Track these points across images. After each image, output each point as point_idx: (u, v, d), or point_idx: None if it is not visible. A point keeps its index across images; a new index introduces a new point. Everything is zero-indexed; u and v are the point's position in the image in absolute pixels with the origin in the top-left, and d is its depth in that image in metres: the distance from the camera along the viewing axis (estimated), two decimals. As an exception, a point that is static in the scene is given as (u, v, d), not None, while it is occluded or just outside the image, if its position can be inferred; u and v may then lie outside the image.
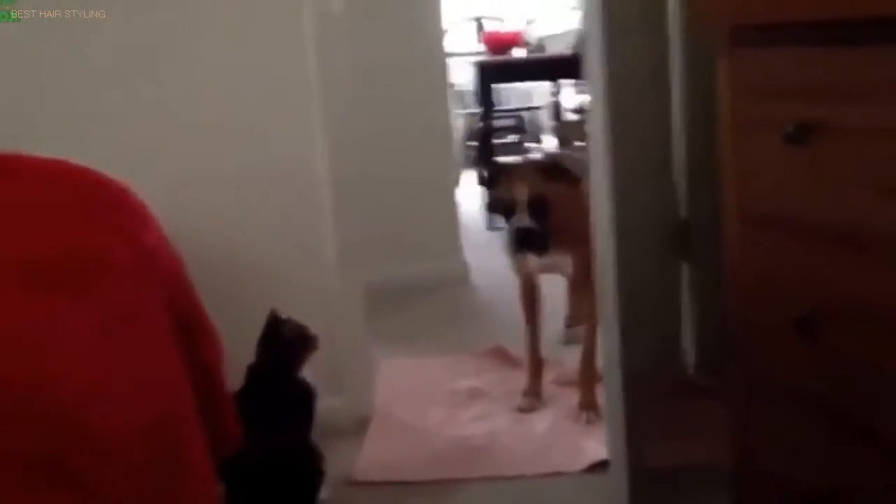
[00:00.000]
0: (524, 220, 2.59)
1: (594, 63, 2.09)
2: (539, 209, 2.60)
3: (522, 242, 2.63)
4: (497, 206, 2.70)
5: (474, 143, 6.51)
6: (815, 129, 1.40)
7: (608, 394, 2.22)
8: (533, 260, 2.78)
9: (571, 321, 3.33)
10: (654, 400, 2.49)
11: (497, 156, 5.50)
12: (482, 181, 2.80)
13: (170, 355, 1.19)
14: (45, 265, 1.10)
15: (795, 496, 1.59)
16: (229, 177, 2.66)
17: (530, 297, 2.94)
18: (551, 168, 2.71)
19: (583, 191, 2.74)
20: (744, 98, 1.54)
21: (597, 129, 2.12)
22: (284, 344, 2.34)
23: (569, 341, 3.24)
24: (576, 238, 2.62)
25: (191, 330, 1.33)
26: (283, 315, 2.35)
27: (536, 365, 2.89)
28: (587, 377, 2.77)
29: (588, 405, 2.73)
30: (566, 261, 2.76)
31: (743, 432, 1.71)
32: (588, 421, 2.69)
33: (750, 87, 1.53)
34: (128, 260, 1.23)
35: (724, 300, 1.70)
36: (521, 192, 2.60)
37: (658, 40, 2.71)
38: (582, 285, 2.77)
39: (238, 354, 2.20)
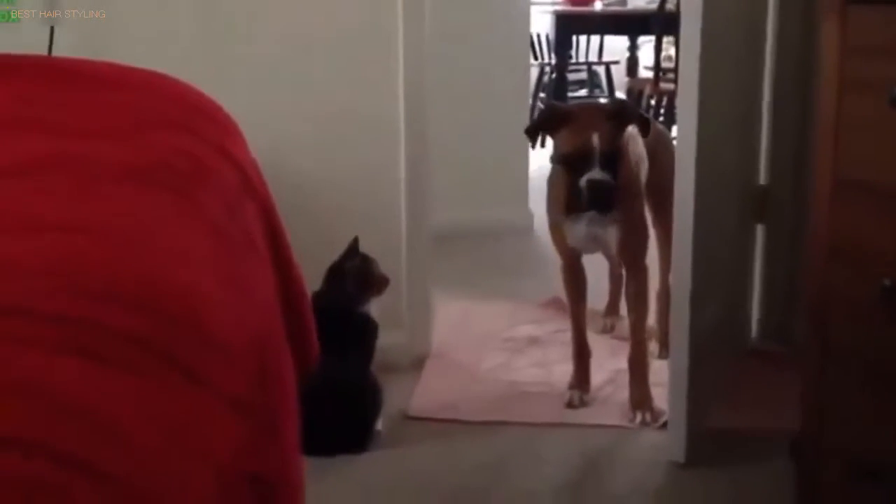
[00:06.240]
0: (598, 172, 2.24)
1: (689, 18, 2.06)
2: (613, 162, 2.27)
3: (596, 199, 2.26)
4: (562, 157, 2.31)
5: (544, 96, 6.43)
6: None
7: (674, 352, 2.22)
8: (577, 229, 2.42)
9: (609, 309, 3.04)
10: (718, 362, 2.48)
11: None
12: (536, 128, 2.41)
13: (267, 267, 1.21)
14: (150, 168, 1.12)
15: (857, 468, 1.58)
16: (312, 116, 2.70)
17: (575, 277, 2.58)
18: (621, 113, 2.36)
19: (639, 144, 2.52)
20: (850, 58, 1.50)
21: (687, 86, 2.09)
22: (346, 278, 2.37)
23: (604, 331, 2.98)
24: (624, 201, 2.35)
25: (279, 248, 1.35)
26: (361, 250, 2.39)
27: (583, 354, 2.57)
28: (638, 370, 2.47)
29: (640, 404, 2.44)
30: (612, 232, 2.41)
31: (813, 398, 1.69)
32: (643, 423, 2.40)
33: (858, 47, 1.48)
34: (227, 170, 1.25)
35: (805, 263, 1.68)
36: (595, 142, 2.25)
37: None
38: (628, 263, 2.52)
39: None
